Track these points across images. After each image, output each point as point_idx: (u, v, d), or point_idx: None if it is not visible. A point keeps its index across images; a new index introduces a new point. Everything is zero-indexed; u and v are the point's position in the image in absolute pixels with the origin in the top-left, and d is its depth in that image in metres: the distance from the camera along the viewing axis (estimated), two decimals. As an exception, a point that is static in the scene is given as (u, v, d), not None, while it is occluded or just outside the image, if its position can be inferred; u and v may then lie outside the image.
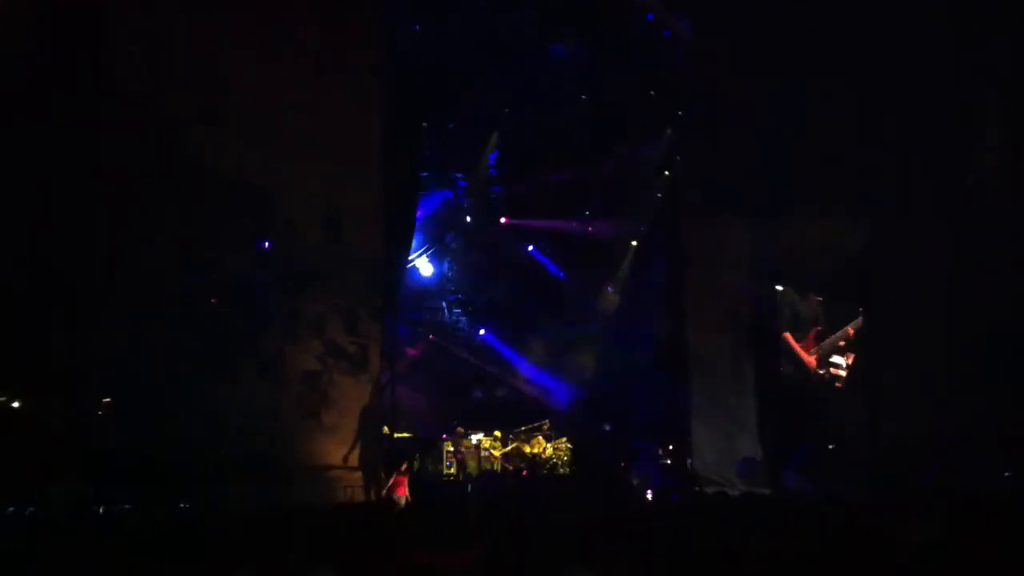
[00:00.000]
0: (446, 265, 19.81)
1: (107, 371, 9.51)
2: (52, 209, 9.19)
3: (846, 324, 20.69)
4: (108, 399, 9.51)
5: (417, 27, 13.87)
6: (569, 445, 17.80)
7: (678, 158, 18.03)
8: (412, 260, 17.66)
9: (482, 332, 20.24)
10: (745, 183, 16.92)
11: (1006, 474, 14.67)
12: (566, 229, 19.49)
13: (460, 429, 17.52)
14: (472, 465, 16.96)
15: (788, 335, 18.92)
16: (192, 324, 10.44)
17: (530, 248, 19.96)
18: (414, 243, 16.77)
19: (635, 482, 17.07)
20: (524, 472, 17.11)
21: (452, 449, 17.24)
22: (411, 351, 18.44)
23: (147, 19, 10.26)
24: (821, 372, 19.83)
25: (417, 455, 16.95)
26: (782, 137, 15.63)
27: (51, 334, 9.04)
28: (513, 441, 17.93)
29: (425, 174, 16.80)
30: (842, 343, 20.56)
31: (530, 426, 18.49)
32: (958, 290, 16.16)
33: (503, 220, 19.53)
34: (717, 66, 15.62)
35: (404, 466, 12.82)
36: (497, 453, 17.52)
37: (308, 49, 12.22)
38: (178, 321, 10.28)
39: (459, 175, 18.27)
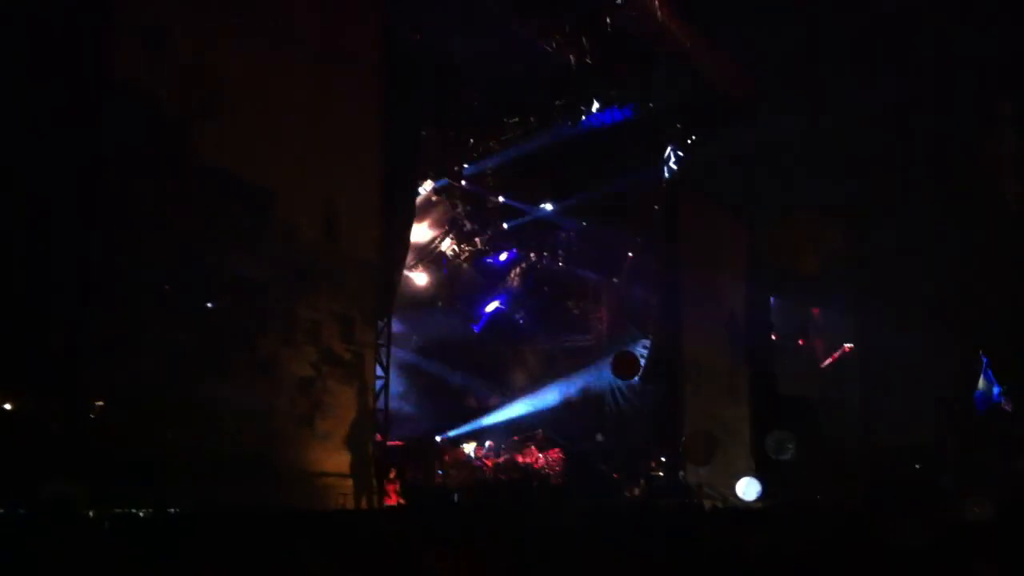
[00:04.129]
0: (443, 272, 19.80)
1: (102, 371, 9.40)
2: (49, 205, 9.09)
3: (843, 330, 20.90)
4: (102, 400, 9.40)
5: (419, 28, 13.82)
6: (562, 455, 17.72)
7: (676, 167, 18.08)
8: (409, 266, 17.61)
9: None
10: (744, 190, 17.00)
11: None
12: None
13: (445, 439, 17.45)
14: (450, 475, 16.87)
15: None
16: (189, 324, 10.34)
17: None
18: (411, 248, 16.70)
19: (629, 492, 17.02)
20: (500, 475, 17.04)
21: (448, 459, 17.18)
22: (405, 358, 18.34)
23: (147, 12, 10.16)
24: None
25: (411, 463, 16.90)
26: (782, 142, 15.68)
27: (47, 332, 8.94)
28: (506, 451, 17.86)
29: (424, 179, 16.80)
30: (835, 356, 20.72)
31: (523, 436, 18.43)
32: (957, 297, 16.24)
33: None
34: (715, 70, 15.67)
35: (392, 473, 12.73)
36: (490, 463, 17.44)
37: (308, 47, 12.15)
38: (175, 321, 10.17)
39: (458, 181, 18.27)
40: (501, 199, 18.82)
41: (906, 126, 14.92)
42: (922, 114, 14.65)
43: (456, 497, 15.13)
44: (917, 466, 17.33)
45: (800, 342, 20.51)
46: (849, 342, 20.96)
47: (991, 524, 7.24)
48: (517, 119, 17.05)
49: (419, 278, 19.17)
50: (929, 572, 5.94)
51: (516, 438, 18.41)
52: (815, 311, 20.74)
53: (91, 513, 8.01)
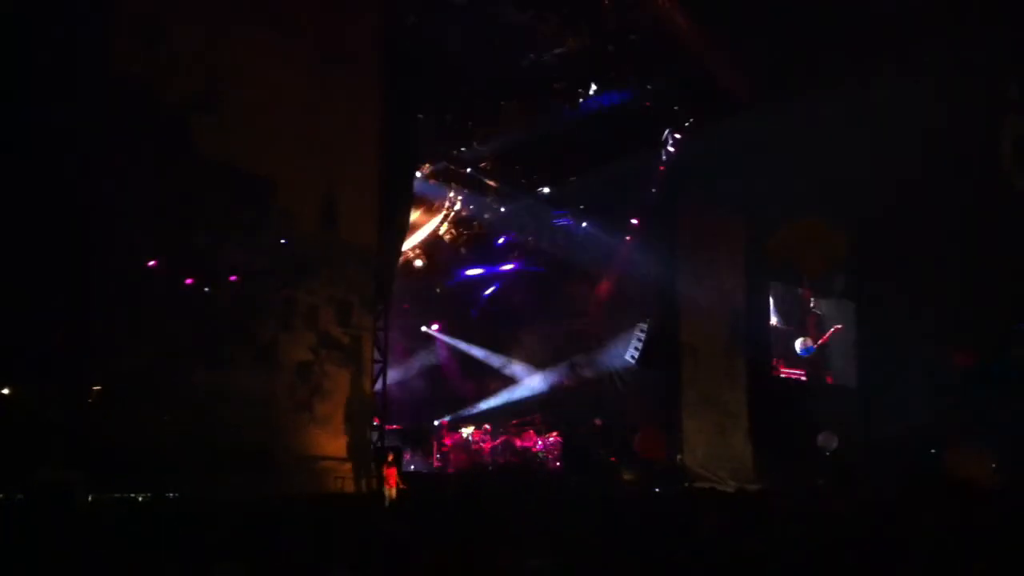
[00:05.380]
0: (442, 256, 19.75)
1: (101, 358, 9.43)
2: (48, 195, 9.10)
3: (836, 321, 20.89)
4: (100, 386, 9.43)
5: (417, 16, 13.74)
6: (560, 439, 17.74)
7: (674, 152, 18.01)
8: (406, 251, 17.57)
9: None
10: (742, 179, 16.96)
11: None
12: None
13: (444, 422, 17.49)
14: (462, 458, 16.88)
15: None
16: (187, 312, 10.36)
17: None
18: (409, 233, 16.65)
19: (627, 476, 17.06)
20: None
21: (448, 442, 17.22)
22: (403, 342, 18.33)
23: (147, 6, 10.15)
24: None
25: (409, 447, 16.94)
26: (781, 134, 15.59)
27: (46, 321, 8.96)
28: (504, 435, 17.88)
29: (422, 164, 16.73)
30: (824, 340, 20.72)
31: (521, 420, 18.45)
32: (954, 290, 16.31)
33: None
34: (716, 64, 15.57)
35: (391, 457, 12.77)
36: (487, 447, 17.46)
37: (307, 40, 12.17)
38: (174, 311, 10.19)
39: (455, 167, 18.20)
40: (498, 183, 18.75)
41: (910, 113, 14.76)
42: (926, 101, 14.50)
43: (448, 480, 15.21)
44: (932, 451, 17.46)
45: (804, 327, 20.51)
46: (847, 326, 20.94)
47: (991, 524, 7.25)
48: (515, 104, 16.93)
49: (418, 262, 19.13)
50: (929, 571, 5.96)
51: (515, 422, 18.43)
52: (806, 293, 20.66)
53: (88, 499, 8.06)
